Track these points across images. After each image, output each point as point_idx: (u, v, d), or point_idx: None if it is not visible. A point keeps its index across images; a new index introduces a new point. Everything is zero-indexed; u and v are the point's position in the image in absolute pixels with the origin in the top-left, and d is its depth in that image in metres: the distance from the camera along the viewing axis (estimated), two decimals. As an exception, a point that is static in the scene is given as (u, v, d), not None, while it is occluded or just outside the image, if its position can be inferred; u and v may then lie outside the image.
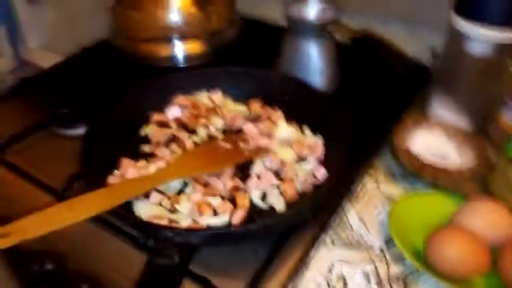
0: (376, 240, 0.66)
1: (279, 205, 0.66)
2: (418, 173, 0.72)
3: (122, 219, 0.61)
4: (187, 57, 1.02)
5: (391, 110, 0.86)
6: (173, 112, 0.82)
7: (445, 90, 0.82)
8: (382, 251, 0.64)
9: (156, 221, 0.60)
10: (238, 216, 0.63)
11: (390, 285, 0.60)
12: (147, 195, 0.66)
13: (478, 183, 0.71)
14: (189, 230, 0.58)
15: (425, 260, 0.60)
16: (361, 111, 0.85)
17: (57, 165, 0.76)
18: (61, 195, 0.70)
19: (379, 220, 0.69)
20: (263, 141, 0.75)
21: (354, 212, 0.70)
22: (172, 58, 1.02)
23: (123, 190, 0.61)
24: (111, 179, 0.69)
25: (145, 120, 0.81)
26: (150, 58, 1.03)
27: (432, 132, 0.80)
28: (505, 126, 0.72)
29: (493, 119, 0.76)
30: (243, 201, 0.65)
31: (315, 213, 0.64)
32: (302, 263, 0.62)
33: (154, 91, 0.83)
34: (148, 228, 0.58)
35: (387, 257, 0.64)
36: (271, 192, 0.68)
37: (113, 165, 0.72)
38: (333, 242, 0.66)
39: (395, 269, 0.62)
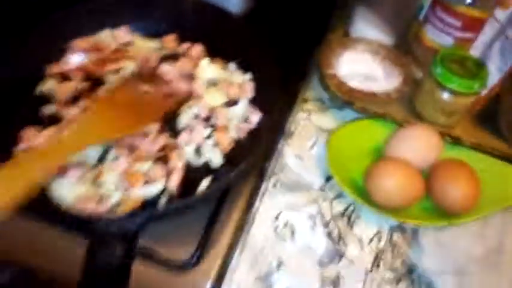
0: (315, 178, 0.66)
1: (216, 159, 0.62)
2: (347, 100, 0.70)
3: (39, 214, 0.53)
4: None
5: (312, 32, 0.82)
6: (73, 60, 0.69)
7: (367, 5, 0.78)
8: (322, 189, 0.65)
9: (82, 205, 0.53)
10: (175, 180, 0.58)
11: (335, 223, 0.61)
12: (63, 172, 0.57)
13: (406, 104, 0.71)
14: (122, 218, 0.52)
15: (365, 193, 0.62)
16: (282, 36, 0.79)
17: None
18: None
19: (315, 154, 0.68)
20: (185, 85, 0.68)
21: (289, 149, 0.69)
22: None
23: (23, 173, 0.47)
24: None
25: (40, 76, 0.68)
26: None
27: (357, 52, 0.78)
28: (428, 43, 0.72)
29: (416, 35, 0.75)
30: (177, 162, 0.60)
31: (254, 162, 0.61)
32: (248, 217, 0.61)
33: (44, 39, 0.69)
34: (75, 221, 0.51)
35: (328, 194, 0.64)
36: (205, 145, 0.63)
37: (10, 141, 0.61)
38: (274, 186, 0.64)
39: (338, 206, 0.63)
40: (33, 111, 0.65)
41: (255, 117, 0.65)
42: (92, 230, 0.48)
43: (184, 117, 0.64)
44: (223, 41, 0.73)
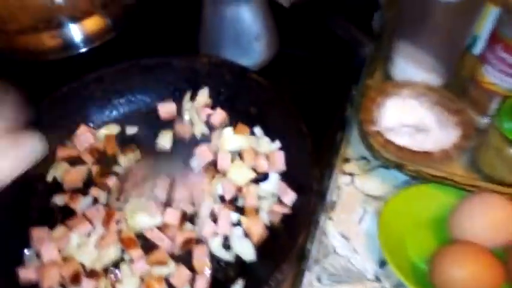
0: (367, 263, 0.55)
1: (248, 253, 0.53)
2: (396, 162, 0.60)
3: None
4: (86, 38, 0.79)
5: (343, 83, 0.72)
6: (83, 140, 0.62)
7: (409, 39, 0.68)
8: (376, 276, 0.54)
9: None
10: (202, 285, 0.50)
11: (396, 324, 0.51)
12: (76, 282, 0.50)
13: (469, 163, 0.60)
14: None
15: (431, 282, 0.51)
16: (309, 90, 0.70)
17: None
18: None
19: (364, 231, 0.58)
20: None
21: (332, 226, 0.59)
22: (66, 45, 0.78)
23: None
24: (23, 273, 0.51)
25: (50, 159, 0.61)
26: (34, 51, 0.78)
27: (402, 98, 0.67)
28: (488, 87, 0.60)
29: (471, 75, 0.64)
30: (201, 264, 0.51)
31: (293, 257, 0.51)
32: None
33: (52, 116, 0.62)
34: None
35: (384, 283, 0.54)
36: (233, 236, 0.54)
37: (22, 241, 0.54)
38: (319, 279, 0.54)
39: (398, 300, 0.53)
40: (45, 202, 0.58)
41: (289, 197, 0.55)
42: None
43: (206, 204, 0.56)
44: (243, 103, 0.64)
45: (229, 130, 0.61)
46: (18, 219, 0.56)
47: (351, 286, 0.54)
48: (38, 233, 0.54)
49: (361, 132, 0.64)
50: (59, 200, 0.58)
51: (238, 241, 0.53)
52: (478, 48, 0.66)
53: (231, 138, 0.61)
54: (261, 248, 0.53)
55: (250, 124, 0.63)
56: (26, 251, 0.54)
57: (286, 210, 0.54)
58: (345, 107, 0.70)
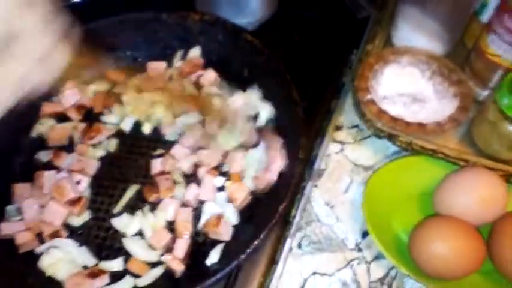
0: (350, 232, 0.55)
1: (231, 217, 0.52)
2: (388, 133, 0.58)
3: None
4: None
5: (343, 47, 0.69)
6: (69, 97, 0.61)
7: (413, 4, 0.64)
8: (358, 246, 0.54)
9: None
10: (181, 251, 0.50)
11: (373, 294, 0.51)
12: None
13: (462, 135, 0.58)
14: None
15: (411, 256, 0.51)
16: (307, 53, 0.67)
17: None
18: None
19: (349, 200, 0.58)
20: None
21: (318, 194, 0.58)
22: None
23: None
24: (4, 228, 0.52)
25: (36, 116, 0.61)
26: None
27: (401, 66, 0.64)
28: (492, 58, 0.57)
29: (476, 44, 0.61)
30: (183, 228, 0.51)
31: (275, 224, 0.51)
32: (269, 283, 0.52)
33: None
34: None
35: (365, 253, 0.54)
36: (217, 200, 0.53)
37: (3, 197, 0.54)
38: (299, 246, 0.54)
39: (377, 270, 0.52)
40: (29, 157, 0.58)
41: (277, 165, 0.54)
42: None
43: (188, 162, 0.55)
44: (236, 64, 0.62)
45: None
46: (0, 175, 0.55)
47: (331, 254, 0.53)
48: (21, 189, 0.54)
49: (355, 100, 0.62)
50: (43, 156, 0.58)
51: (221, 205, 0.53)
52: (486, 16, 0.62)
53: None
54: (245, 213, 0.53)
55: (243, 86, 0.61)
56: (8, 207, 0.54)
57: (272, 178, 0.53)
58: (342, 73, 0.68)
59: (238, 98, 0.59)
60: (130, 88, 0.61)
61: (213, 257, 0.49)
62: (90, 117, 0.61)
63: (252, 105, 0.60)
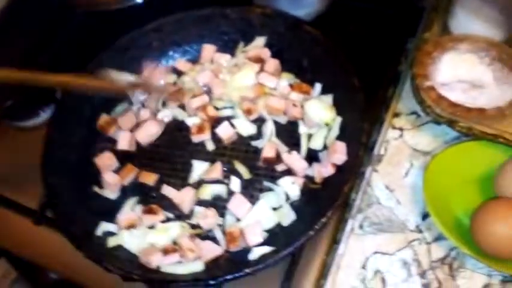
0: (410, 215, 0.57)
1: (294, 194, 0.56)
2: (448, 118, 0.59)
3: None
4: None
5: (399, 36, 0.70)
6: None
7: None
8: (418, 227, 0.56)
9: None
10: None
11: (434, 273, 0.53)
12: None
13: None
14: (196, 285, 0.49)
15: (472, 237, 0.52)
16: (364, 42, 0.69)
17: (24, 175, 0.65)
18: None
19: (409, 184, 0.59)
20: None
21: (378, 178, 0.60)
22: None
23: None
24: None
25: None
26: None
27: (460, 53, 0.65)
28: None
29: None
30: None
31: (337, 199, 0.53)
32: (331, 263, 0.55)
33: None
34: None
35: (426, 234, 0.56)
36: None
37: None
38: (361, 226, 0.57)
39: (438, 251, 0.54)
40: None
41: (339, 157, 0.56)
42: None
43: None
44: (296, 55, 0.66)
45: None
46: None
47: (392, 235, 0.56)
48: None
49: (414, 87, 0.63)
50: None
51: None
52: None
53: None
54: (307, 194, 0.56)
55: (304, 77, 0.64)
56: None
57: (331, 172, 0.56)
58: (399, 61, 0.69)
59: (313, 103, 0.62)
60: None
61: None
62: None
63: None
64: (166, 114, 0.65)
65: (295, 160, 0.57)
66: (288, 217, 0.55)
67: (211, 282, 0.48)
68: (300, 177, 0.57)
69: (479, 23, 0.66)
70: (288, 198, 0.57)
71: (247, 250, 0.53)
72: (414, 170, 0.60)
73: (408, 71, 0.67)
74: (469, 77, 0.64)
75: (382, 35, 0.72)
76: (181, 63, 0.69)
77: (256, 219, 0.54)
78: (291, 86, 0.64)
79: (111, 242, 0.55)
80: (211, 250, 0.53)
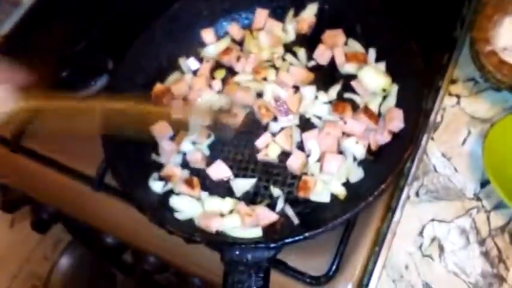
0: (468, 182, 0.56)
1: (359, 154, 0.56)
2: (510, 84, 0.57)
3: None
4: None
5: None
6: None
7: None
8: (476, 196, 0.55)
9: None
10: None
11: (494, 241, 0.52)
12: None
13: None
14: (256, 248, 0.49)
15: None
16: (419, 6, 0.67)
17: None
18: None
19: (467, 152, 0.58)
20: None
21: (434, 146, 0.59)
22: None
23: None
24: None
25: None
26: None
27: (522, 16, 0.62)
28: None
29: None
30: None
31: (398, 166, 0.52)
32: (387, 229, 0.55)
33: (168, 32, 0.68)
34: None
35: (485, 202, 0.55)
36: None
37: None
38: (417, 194, 0.57)
39: (497, 219, 0.53)
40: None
41: (396, 124, 0.55)
42: (227, 258, 0.48)
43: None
44: (349, 21, 0.64)
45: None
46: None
47: (450, 203, 0.55)
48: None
49: (473, 52, 0.61)
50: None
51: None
52: None
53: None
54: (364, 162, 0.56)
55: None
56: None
57: (387, 139, 0.56)
58: (455, 26, 0.67)
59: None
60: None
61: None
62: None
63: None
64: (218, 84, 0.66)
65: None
66: (355, 174, 0.55)
67: (272, 245, 0.48)
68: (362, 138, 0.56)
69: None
70: (355, 158, 0.57)
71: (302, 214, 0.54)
72: (472, 138, 0.59)
73: (465, 36, 0.64)
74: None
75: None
76: (235, 29, 0.68)
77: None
78: (346, 55, 0.63)
79: (172, 203, 0.57)
80: (267, 216, 0.54)
